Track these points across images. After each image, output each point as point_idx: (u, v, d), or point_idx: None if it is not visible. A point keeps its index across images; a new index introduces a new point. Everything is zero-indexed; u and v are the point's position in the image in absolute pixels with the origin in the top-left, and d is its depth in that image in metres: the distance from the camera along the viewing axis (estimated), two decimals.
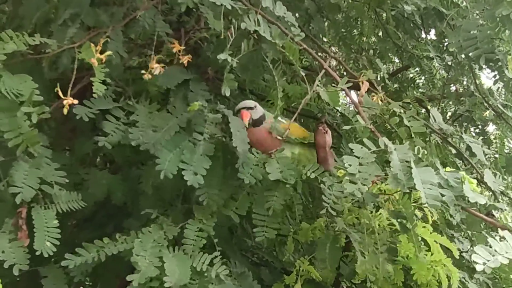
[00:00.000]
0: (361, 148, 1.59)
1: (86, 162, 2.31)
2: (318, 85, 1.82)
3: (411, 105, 2.37)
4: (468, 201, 1.55)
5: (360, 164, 1.54)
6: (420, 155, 1.60)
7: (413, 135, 1.78)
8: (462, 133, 2.24)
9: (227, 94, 1.72)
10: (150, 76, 1.77)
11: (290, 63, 2.49)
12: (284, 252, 2.76)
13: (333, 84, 1.89)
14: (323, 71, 1.89)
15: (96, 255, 1.70)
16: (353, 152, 1.57)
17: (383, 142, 1.60)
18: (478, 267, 1.35)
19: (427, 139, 2.78)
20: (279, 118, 1.92)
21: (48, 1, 1.89)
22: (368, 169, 1.53)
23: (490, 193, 3.11)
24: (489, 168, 2.48)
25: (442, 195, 1.48)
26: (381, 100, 1.88)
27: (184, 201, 2.04)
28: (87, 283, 2.50)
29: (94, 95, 1.69)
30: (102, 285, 2.25)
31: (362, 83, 1.87)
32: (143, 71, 1.78)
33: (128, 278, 1.60)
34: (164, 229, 1.78)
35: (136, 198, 2.12)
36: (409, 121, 1.79)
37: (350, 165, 1.53)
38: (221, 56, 1.64)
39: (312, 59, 2.94)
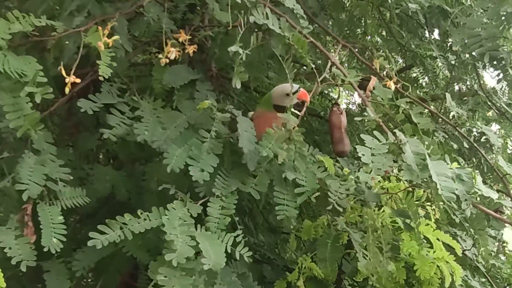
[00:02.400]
0: (372, 139, 1.59)
1: (90, 158, 2.31)
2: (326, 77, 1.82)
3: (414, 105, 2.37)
4: (482, 196, 1.56)
5: (372, 154, 1.54)
6: (429, 151, 1.60)
7: (420, 132, 1.79)
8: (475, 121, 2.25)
9: (238, 87, 1.71)
10: (167, 61, 1.78)
11: (295, 61, 2.50)
12: (286, 249, 2.78)
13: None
14: (330, 64, 1.89)
15: (120, 233, 1.61)
16: (365, 143, 1.58)
17: (393, 135, 1.60)
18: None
19: (431, 137, 2.79)
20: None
21: None
22: (381, 159, 1.53)
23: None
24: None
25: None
26: (395, 84, 1.88)
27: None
28: (89, 280, 2.51)
29: (101, 88, 1.68)
30: (104, 280, 2.25)
31: (370, 78, 1.88)
32: (160, 56, 1.78)
33: (167, 257, 1.51)
34: (187, 206, 1.72)
35: (140, 194, 2.13)
36: (416, 117, 1.79)
37: (363, 154, 1.53)
38: (232, 49, 1.63)
39: (315, 58, 2.95)
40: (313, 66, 1.87)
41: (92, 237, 1.59)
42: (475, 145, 2.38)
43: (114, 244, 1.97)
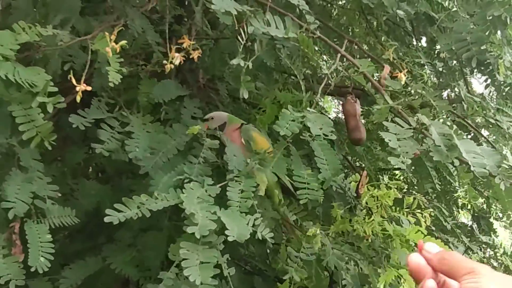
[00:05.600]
0: (395, 126, 1.58)
1: (77, 172, 2.29)
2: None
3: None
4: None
5: (398, 139, 1.53)
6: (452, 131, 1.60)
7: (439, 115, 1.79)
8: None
9: (246, 97, 1.71)
10: (172, 66, 1.76)
11: (283, 71, 2.50)
12: (277, 260, 2.76)
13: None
14: (340, 56, 1.90)
15: (137, 211, 1.55)
16: (388, 130, 1.57)
17: (414, 120, 1.60)
18: None
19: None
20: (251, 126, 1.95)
21: (36, 8, 1.88)
22: (407, 143, 1.53)
23: None
24: None
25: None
26: (406, 74, 1.89)
27: (170, 219, 2.04)
28: None
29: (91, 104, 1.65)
30: None
31: (384, 66, 1.89)
32: (164, 61, 1.77)
33: (189, 230, 1.45)
34: (205, 188, 1.67)
35: None
36: (434, 101, 1.81)
37: (390, 140, 1.52)
38: (234, 61, 1.64)
39: (303, 67, 2.95)
40: (322, 65, 1.87)
41: (109, 214, 1.55)
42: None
43: (101, 260, 1.96)
